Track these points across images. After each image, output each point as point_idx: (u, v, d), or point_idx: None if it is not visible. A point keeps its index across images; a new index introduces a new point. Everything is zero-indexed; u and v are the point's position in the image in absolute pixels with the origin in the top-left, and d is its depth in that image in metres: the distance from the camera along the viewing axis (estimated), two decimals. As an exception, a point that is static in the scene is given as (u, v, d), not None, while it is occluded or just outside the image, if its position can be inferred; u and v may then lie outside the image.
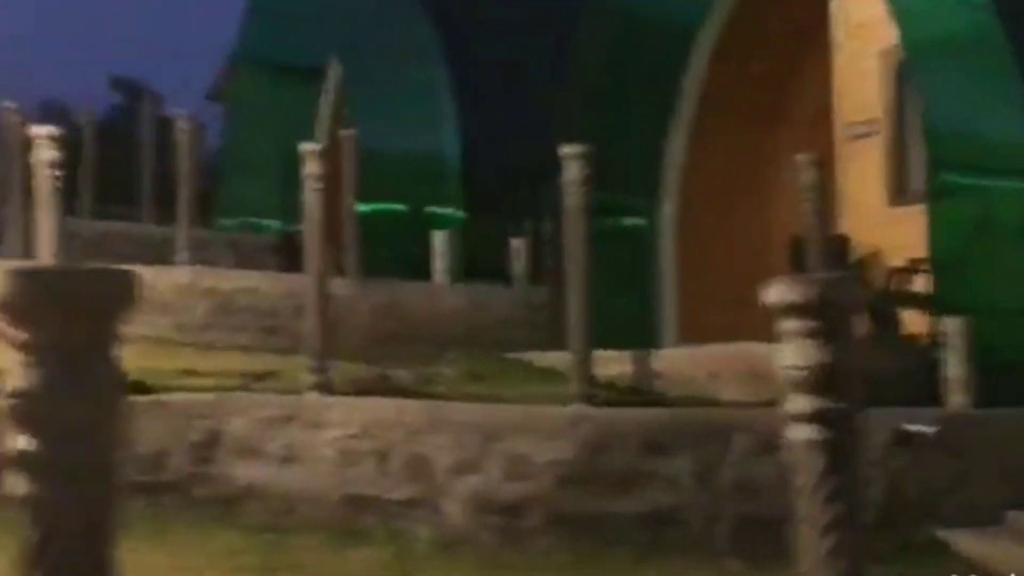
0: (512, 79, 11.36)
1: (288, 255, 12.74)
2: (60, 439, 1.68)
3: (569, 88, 10.10)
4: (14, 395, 1.66)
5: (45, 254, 6.17)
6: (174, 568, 5.52)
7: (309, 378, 6.44)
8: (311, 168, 6.48)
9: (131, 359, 6.26)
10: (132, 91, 29.51)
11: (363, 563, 5.70)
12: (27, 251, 10.01)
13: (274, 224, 13.97)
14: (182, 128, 10.24)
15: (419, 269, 10.65)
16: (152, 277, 9.80)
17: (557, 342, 8.89)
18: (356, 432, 6.08)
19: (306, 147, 6.55)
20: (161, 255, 12.57)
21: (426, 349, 9.23)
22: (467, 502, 5.91)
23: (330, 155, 12.06)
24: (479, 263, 10.78)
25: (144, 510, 5.98)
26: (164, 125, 19.73)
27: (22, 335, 1.66)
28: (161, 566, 5.47)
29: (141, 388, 6.47)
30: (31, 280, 1.67)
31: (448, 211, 11.64)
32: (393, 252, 11.12)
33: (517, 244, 10.65)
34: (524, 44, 11.28)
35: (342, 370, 8.20)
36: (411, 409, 6.15)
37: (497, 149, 11.34)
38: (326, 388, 6.40)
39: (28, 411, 1.65)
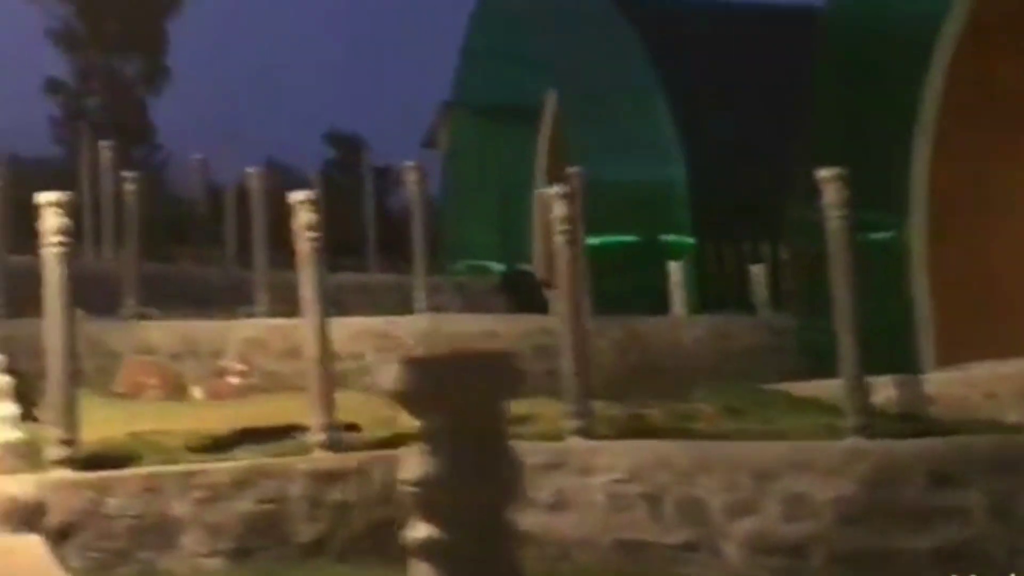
0: (735, 102, 11.11)
1: (514, 295, 12.81)
2: (462, 526, 1.58)
3: (807, 106, 9.77)
4: (414, 483, 1.58)
5: (311, 313, 6.26)
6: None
7: (570, 423, 6.33)
8: (558, 211, 6.40)
9: (379, 409, 6.20)
10: (347, 145, 30.47)
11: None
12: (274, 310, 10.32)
13: (498, 265, 14.06)
14: (411, 177, 10.40)
15: (655, 301, 10.47)
16: (391, 326, 10.01)
17: (809, 370, 8.53)
18: (624, 476, 5.93)
19: (550, 191, 6.48)
20: (391, 304, 12.82)
21: (671, 383, 9.03)
22: (745, 544, 5.67)
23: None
24: (716, 291, 10.53)
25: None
26: (378, 176, 20.21)
27: (418, 423, 1.57)
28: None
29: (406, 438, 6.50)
30: (425, 370, 1.59)
31: (679, 239, 11.44)
32: (626, 285, 10.98)
33: (756, 270, 10.35)
34: (748, 66, 11.03)
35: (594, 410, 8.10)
36: (679, 451, 5.96)
37: (726, 174, 11.08)
38: (587, 432, 6.27)
39: (429, 499, 1.57)
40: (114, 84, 24.81)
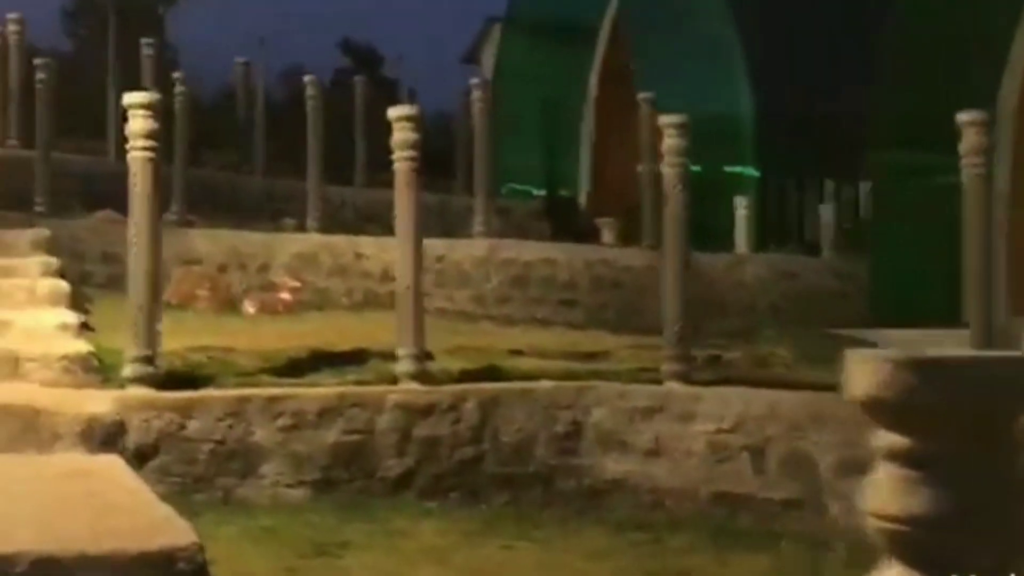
0: (811, 36, 10.68)
1: (556, 221, 12.49)
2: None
3: (886, 45, 9.38)
4: (895, 520, 1.29)
5: (406, 236, 5.93)
6: (547, 567, 5.26)
7: (668, 366, 6.06)
8: (671, 141, 6.05)
9: (445, 336, 5.96)
10: (361, 56, 29.83)
11: (747, 569, 5.31)
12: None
13: (537, 191, 13.70)
14: (475, 94, 9.99)
15: (717, 235, 10.16)
16: (447, 250, 9.67)
17: (881, 316, 8.27)
18: (728, 426, 5.68)
19: (669, 119, 6.12)
20: (433, 225, 12.47)
21: (735, 324, 8.79)
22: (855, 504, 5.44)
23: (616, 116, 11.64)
24: (777, 229, 10.22)
25: (508, 504, 5.77)
26: (389, 88, 19.73)
27: (901, 441, 1.28)
28: (531, 564, 5.23)
29: (494, 372, 6.24)
30: (927, 373, 1.28)
31: (743, 170, 11.08)
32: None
33: (824, 209, 10.03)
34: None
35: (655, 348, 7.84)
36: (789, 402, 5.70)
37: (796, 107, 10.71)
38: (686, 377, 6.01)
39: (919, 543, 1.27)
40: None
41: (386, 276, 9.58)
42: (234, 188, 12.27)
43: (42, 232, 8.30)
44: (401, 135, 5.94)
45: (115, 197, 11.09)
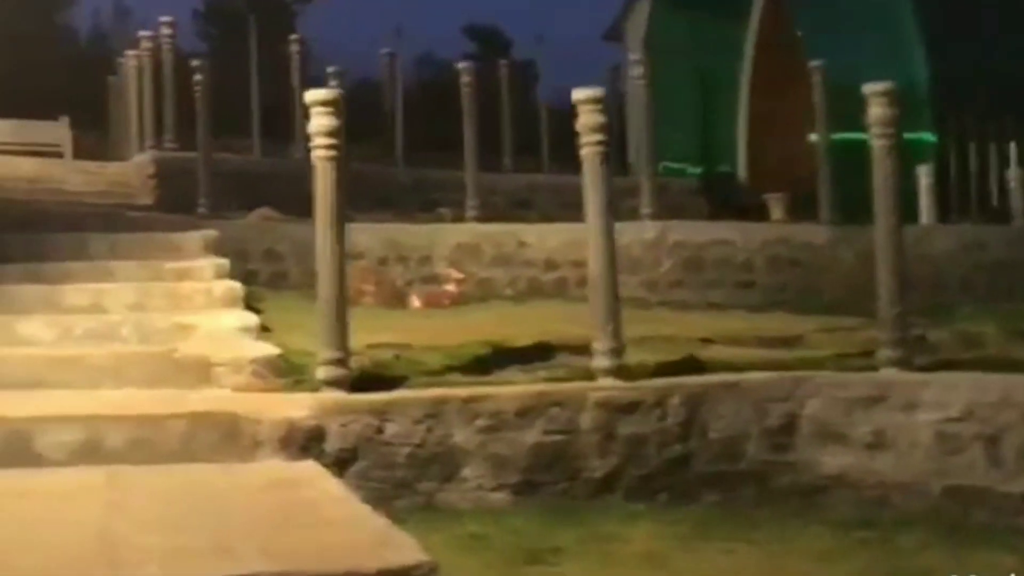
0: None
1: (715, 199, 12.09)
2: None
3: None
4: None
5: (596, 223, 5.65)
6: (773, 571, 4.94)
7: (887, 352, 5.66)
8: (877, 111, 5.64)
9: (626, 325, 5.54)
10: (487, 38, 29.65)
11: (990, 569, 4.90)
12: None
13: (692, 168, 13.27)
14: (635, 71, 9.64)
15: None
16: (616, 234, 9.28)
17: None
18: (957, 414, 5.27)
19: (874, 87, 5.71)
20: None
21: (926, 300, 8.29)
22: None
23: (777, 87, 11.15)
24: (962, 198, 9.65)
25: (720, 504, 5.45)
26: (522, 70, 19.40)
27: None
28: (755, 568, 4.91)
29: (693, 364, 5.92)
30: None
31: (919, 136, 10.49)
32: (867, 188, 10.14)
33: (1013, 173, 9.43)
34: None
35: (849, 330, 7.42)
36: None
37: (973, 71, 10.10)
38: (907, 363, 5.60)
39: None
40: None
41: (549, 264, 9.36)
42: (383, 180, 12.14)
43: (210, 233, 8.26)
44: (588, 118, 5.64)
45: (268, 194, 11.18)
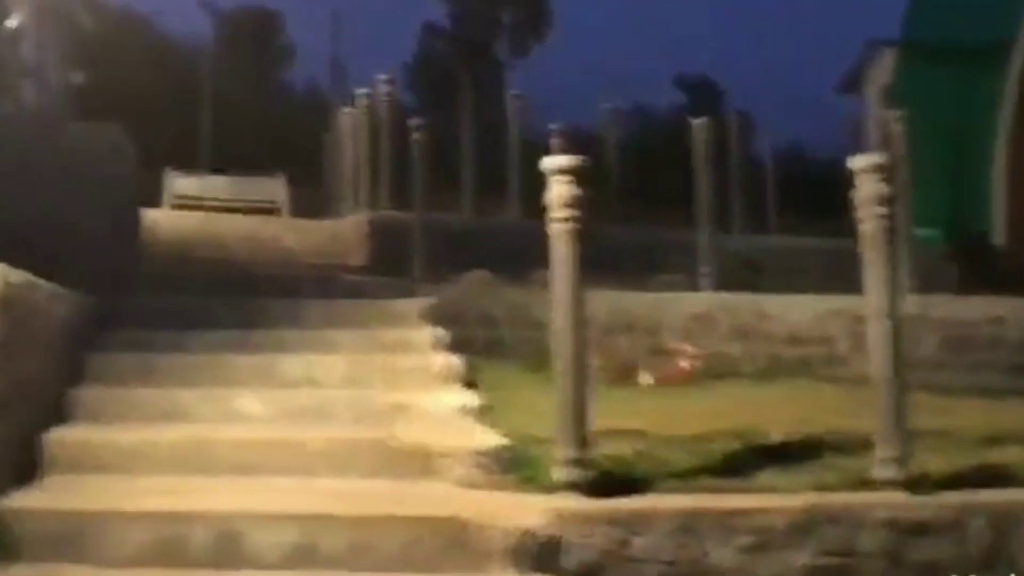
0: None
1: (969, 265, 10.98)
2: None
3: None
4: None
5: (879, 310, 4.83)
6: None
7: None
8: None
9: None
10: (699, 89, 28.90)
11: None
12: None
13: (930, 231, 12.14)
14: (894, 127, 8.74)
15: None
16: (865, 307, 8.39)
17: None
18: None
19: None
20: (823, 273, 11.22)
21: None
22: None
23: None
24: None
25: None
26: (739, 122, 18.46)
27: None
28: None
29: (993, 474, 5.01)
30: None
31: None
32: None
33: None
34: None
35: None
36: None
37: None
38: None
39: None
40: (490, 29, 24.10)
41: (793, 339, 8.50)
42: (601, 239, 11.48)
43: (428, 301, 7.78)
44: (871, 188, 4.86)
45: (480, 254, 10.70)
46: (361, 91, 11.65)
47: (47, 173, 7.46)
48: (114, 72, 17.28)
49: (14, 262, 6.25)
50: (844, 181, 5.24)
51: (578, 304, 4.90)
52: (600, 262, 10.56)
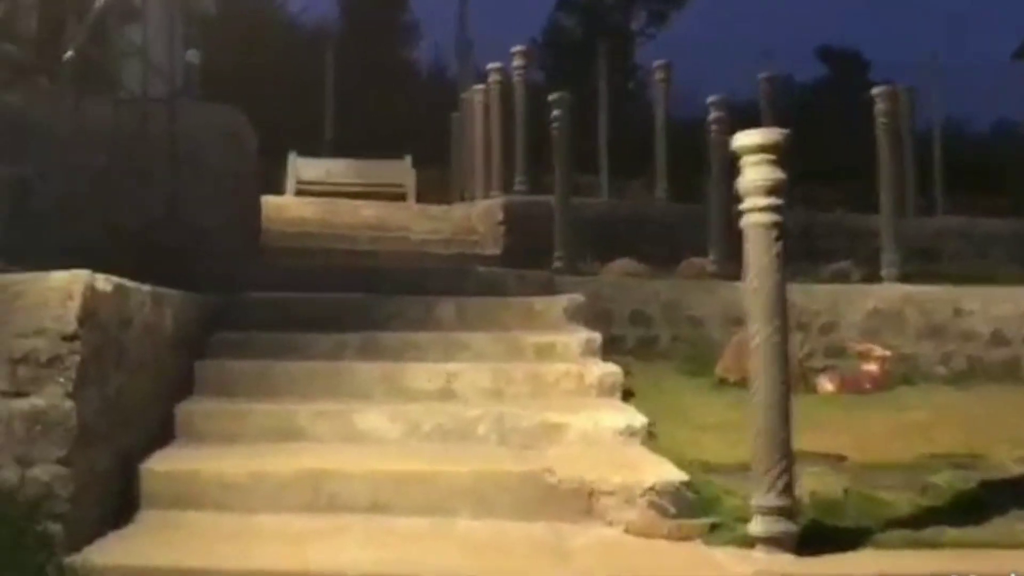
0: None
1: None
2: None
3: None
4: None
5: None
6: None
7: None
8: None
9: None
10: (841, 60, 27.31)
11: None
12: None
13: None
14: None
15: None
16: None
17: None
18: None
19: None
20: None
21: None
22: None
23: None
24: None
25: None
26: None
27: None
28: None
29: None
30: None
31: None
32: None
33: None
34: None
35: None
36: None
37: None
38: None
39: None
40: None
41: (997, 338, 7.36)
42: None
43: (576, 298, 6.86)
44: None
45: (621, 241, 9.73)
46: (493, 65, 10.76)
47: (161, 162, 6.75)
48: (237, 54, 16.74)
49: (121, 259, 5.56)
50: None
51: (782, 315, 3.91)
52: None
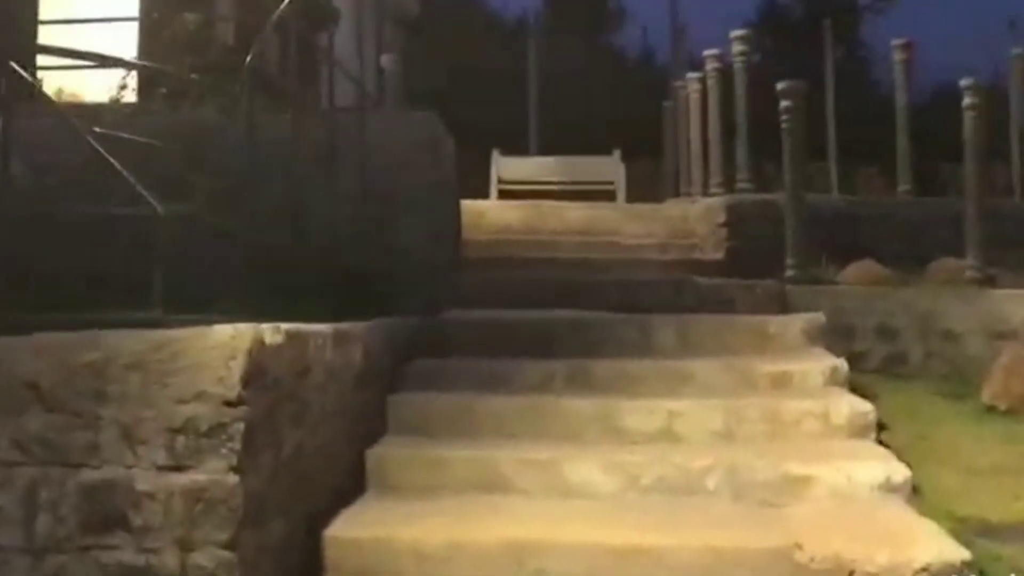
0: None
1: None
2: None
3: None
4: None
5: None
6: None
7: None
8: None
9: None
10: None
11: None
12: None
13: None
14: None
15: None
16: None
17: None
18: None
19: None
20: None
21: None
22: None
23: None
24: None
25: None
26: None
27: None
28: None
29: None
30: None
31: None
32: None
33: None
34: None
35: None
36: None
37: None
38: None
39: None
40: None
41: None
42: (1011, 217, 9.10)
43: (817, 318, 6.01)
44: None
45: (856, 241, 8.72)
46: (710, 52, 9.89)
47: (349, 175, 6.25)
48: (439, 52, 16.39)
49: (308, 282, 5.08)
50: None
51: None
52: (1011, 244, 8.36)
